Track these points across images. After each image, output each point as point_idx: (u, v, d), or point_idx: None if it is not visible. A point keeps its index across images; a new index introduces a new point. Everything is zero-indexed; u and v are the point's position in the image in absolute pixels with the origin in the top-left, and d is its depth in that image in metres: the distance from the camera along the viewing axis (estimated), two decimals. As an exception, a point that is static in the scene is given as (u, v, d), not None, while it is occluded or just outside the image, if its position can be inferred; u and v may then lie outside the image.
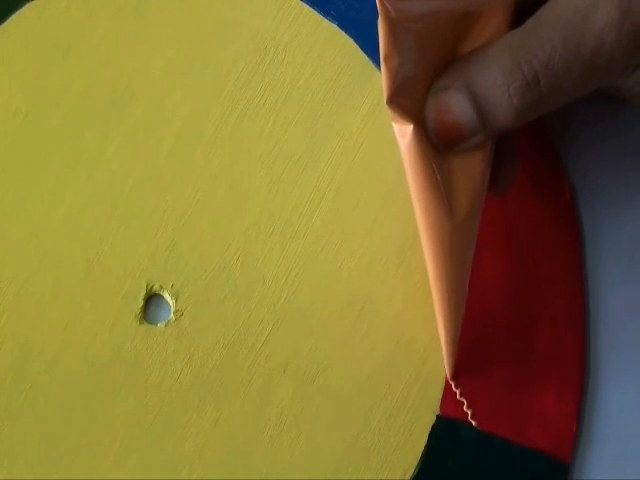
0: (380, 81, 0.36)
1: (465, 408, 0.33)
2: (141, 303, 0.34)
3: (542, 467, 0.33)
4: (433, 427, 0.33)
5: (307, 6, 0.37)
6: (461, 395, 0.34)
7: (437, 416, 0.33)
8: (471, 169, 0.29)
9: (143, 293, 0.34)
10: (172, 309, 0.34)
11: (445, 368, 0.33)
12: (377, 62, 0.36)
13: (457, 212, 0.29)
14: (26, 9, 0.36)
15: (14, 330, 0.33)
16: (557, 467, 0.33)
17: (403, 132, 0.28)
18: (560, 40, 0.27)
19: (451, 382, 0.34)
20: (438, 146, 0.29)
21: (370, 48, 0.36)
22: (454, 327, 0.32)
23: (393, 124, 0.29)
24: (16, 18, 0.36)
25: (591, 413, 0.34)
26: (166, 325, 0.34)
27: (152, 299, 0.34)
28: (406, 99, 0.28)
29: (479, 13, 0.28)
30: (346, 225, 0.35)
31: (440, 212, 0.29)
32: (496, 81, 0.28)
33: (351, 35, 0.36)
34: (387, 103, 0.28)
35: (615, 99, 0.33)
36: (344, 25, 0.36)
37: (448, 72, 0.29)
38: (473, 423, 0.33)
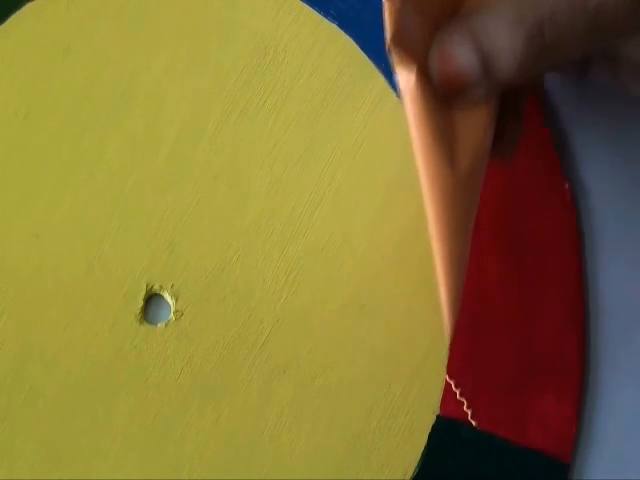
0: (380, 81, 0.36)
1: (465, 408, 0.33)
2: (141, 303, 0.34)
3: (542, 467, 0.33)
4: (433, 427, 0.33)
5: (307, 6, 0.37)
6: (461, 395, 0.34)
7: (437, 416, 0.33)
8: (474, 124, 0.29)
9: (143, 293, 0.34)
10: (172, 309, 0.34)
11: (445, 330, 0.31)
12: (377, 62, 0.36)
13: (460, 166, 0.28)
14: (26, 9, 0.36)
15: (14, 330, 0.33)
16: (557, 467, 0.33)
17: (407, 80, 0.28)
18: None
19: (450, 382, 0.34)
20: (442, 98, 0.28)
21: (370, 48, 0.36)
22: (456, 285, 0.30)
23: (397, 71, 0.28)
24: (16, 18, 0.36)
25: (591, 413, 0.34)
26: (166, 325, 0.34)
27: (152, 299, 0.34)
28: (409, 48, 0.27)
29: None
30: (346, 225, 0.35)
31: (443, 163, 0.28)
32: (500, 32, 0.27)
33: (351, 35, 0.36)
34: (390, 43, 0.27)
35: (615, 85, 0.33)
36: (344, 25, 0.36)
37: (452, 23, 0.28)
38: (473, 423, 0.33)
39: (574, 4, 0.27)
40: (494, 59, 0.28)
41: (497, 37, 0.28)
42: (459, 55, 0.28)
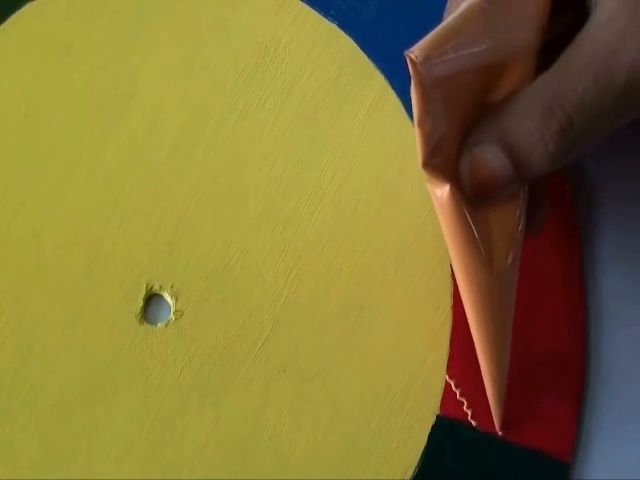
0: (380, 81, 0.36)
1: (465, 408, 0.33)
2: (141, 303, 0.34)
3: (542, 467, 0.33)
4: (433, 427, 0.33)
5: (307, 6, 0.37)
6: (461, 395, 0.34)
7: (437, 416, 0.33)
8: (507, 218, 0.29)
9: (143, 293, 0.34)
10: (172, 309, 0.34)
11: (494, 421, 0.33)
12: (377, 62, 0.36)
13: (497, 264, 0.29)
14: (26, 9, 0.36)
15: (14, 330, 0.33)
16: (557, 467, 0.33)
17: (439, 191, 0.28)
18: (591, 80, 0.27)
19: (450, 382, 0.34)
20: (473, 200, 0.28)
21: (370, 48, 0.36)
22: (501, 378, 0.32)
23: (429, 188, 0.28)
24: (16, 18, 0.36)
25: (591, 412, 0.34)
26: (166, 325, 0.34)
27: (152, 299, 0.34)
28: (439, 158, 0.28)
29: (504, 62, 0.28)
30: (346, 225, 0.35)
31: (480, 267, 0.29)
32: (530, 130, 0.27)
33: (351, 35, 0.36)
34: (422, 167, 0.28)
35: None
36: (344, 25, 0.36)
37: (480, 126, 0.28)
38: (473, 423, 0.33)
39: (601, 87, 0.27)
40: (526, 158, 0.28)
41: (527, 136, 0.27)
42: (490, 159, 0.28)
